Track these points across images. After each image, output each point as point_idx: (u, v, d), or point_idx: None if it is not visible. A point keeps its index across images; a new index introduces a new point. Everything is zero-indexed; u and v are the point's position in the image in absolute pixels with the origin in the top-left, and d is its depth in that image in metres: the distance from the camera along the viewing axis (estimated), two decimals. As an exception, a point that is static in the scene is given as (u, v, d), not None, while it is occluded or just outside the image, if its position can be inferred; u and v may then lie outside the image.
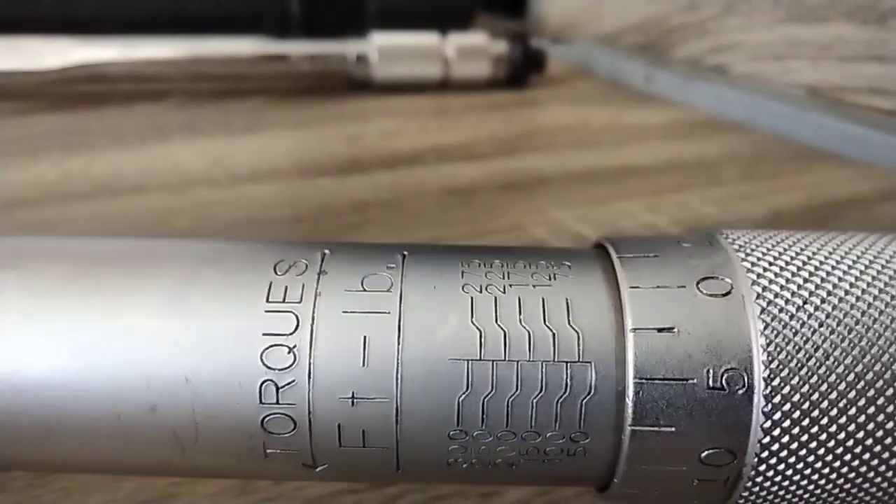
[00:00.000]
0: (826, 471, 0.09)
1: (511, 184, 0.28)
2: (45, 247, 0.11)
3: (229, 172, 0.28)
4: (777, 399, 0.09)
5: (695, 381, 0.09)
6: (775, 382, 0.09)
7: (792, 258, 0.10)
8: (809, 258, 0.10)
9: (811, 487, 0.09)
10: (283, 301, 0.09)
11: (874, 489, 0.09)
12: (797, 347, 0.09)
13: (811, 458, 0.09)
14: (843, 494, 0.09)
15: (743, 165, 0.30)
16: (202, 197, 0.26)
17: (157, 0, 0.43)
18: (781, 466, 0.09)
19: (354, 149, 0.32)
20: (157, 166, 0.29)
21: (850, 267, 0.09)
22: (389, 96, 0.40)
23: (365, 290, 0.09)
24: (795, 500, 0.09)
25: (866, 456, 0.09)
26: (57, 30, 0.37)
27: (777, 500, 0.09)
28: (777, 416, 0.09)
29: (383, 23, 0.43)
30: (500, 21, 0.58)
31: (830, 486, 0.09)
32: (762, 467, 0.09)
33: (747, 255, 0.10)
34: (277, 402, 0.09)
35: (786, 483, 0.09)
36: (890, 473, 0.09)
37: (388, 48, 0.40)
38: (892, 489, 0.09)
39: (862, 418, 0.09)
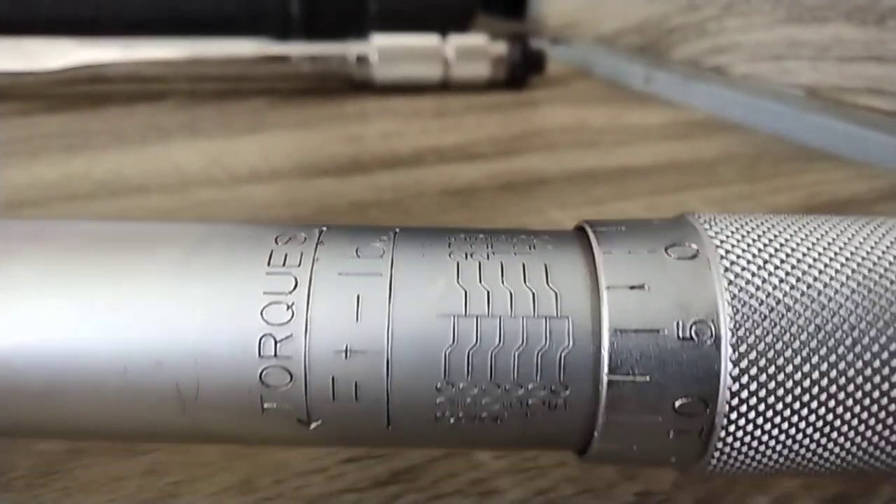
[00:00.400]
0: (795, 419, 0.09)
1: (511, 184, 0.28)
2: (60, 224, 0.11)
3: (230, 173, 0.28)
4: (743, 348, 0.09)
5: (665, 331, 0.09)
6: (741, 332, 0.09)
7: (753, 229, 0.10)
8: (769, 228, 0.10)
9: (782, 438, 0.10)
10: (283, 266, 0.10)
11: (841, 438, 0.10)
12: (759, 301, 0.09)
13: (780, 406, 0.09)
14: (814, 445, 0.10)
15: (742, 166, 0.30)
16: (202, 197, 0.26)
17: (157, 1, 0.43)
18: (752, 415, 0.09)
19: (355, 149, 0.32)
20: (158, 167, 0.29)
21: (807, 235, 0.10)
22: (390, 97, 0.40)
23: (359, 257, 0.10)
24: (769, 452, 0.10)
25: (831, 403, 0.09)
26: (58, 31, 0.37)
27: (750, 454, 0.10)
28: (744, 363, 0.09)
29: (383, 24, 0.43)
30: (500, 22, 0.58)
31: (800, 435, 0.10)
32: (734, 415, 0.09)
33: (711, 226, 0.10)
34: (275, 356, 0.10)
35: (758, 433, 0.10)
36: (855, 421, 0.09)
37: (388, 49, 0.40)
38: (857, 437, 0.09)
39: (824, 366, 0.09)
